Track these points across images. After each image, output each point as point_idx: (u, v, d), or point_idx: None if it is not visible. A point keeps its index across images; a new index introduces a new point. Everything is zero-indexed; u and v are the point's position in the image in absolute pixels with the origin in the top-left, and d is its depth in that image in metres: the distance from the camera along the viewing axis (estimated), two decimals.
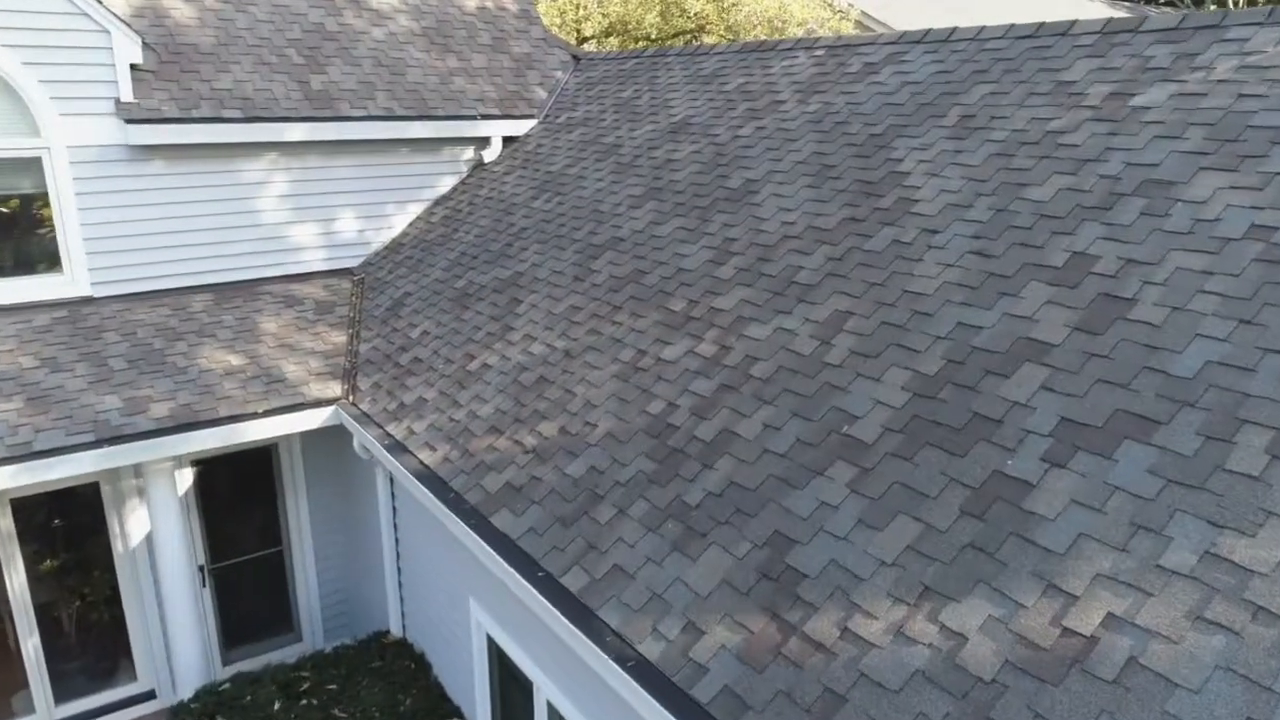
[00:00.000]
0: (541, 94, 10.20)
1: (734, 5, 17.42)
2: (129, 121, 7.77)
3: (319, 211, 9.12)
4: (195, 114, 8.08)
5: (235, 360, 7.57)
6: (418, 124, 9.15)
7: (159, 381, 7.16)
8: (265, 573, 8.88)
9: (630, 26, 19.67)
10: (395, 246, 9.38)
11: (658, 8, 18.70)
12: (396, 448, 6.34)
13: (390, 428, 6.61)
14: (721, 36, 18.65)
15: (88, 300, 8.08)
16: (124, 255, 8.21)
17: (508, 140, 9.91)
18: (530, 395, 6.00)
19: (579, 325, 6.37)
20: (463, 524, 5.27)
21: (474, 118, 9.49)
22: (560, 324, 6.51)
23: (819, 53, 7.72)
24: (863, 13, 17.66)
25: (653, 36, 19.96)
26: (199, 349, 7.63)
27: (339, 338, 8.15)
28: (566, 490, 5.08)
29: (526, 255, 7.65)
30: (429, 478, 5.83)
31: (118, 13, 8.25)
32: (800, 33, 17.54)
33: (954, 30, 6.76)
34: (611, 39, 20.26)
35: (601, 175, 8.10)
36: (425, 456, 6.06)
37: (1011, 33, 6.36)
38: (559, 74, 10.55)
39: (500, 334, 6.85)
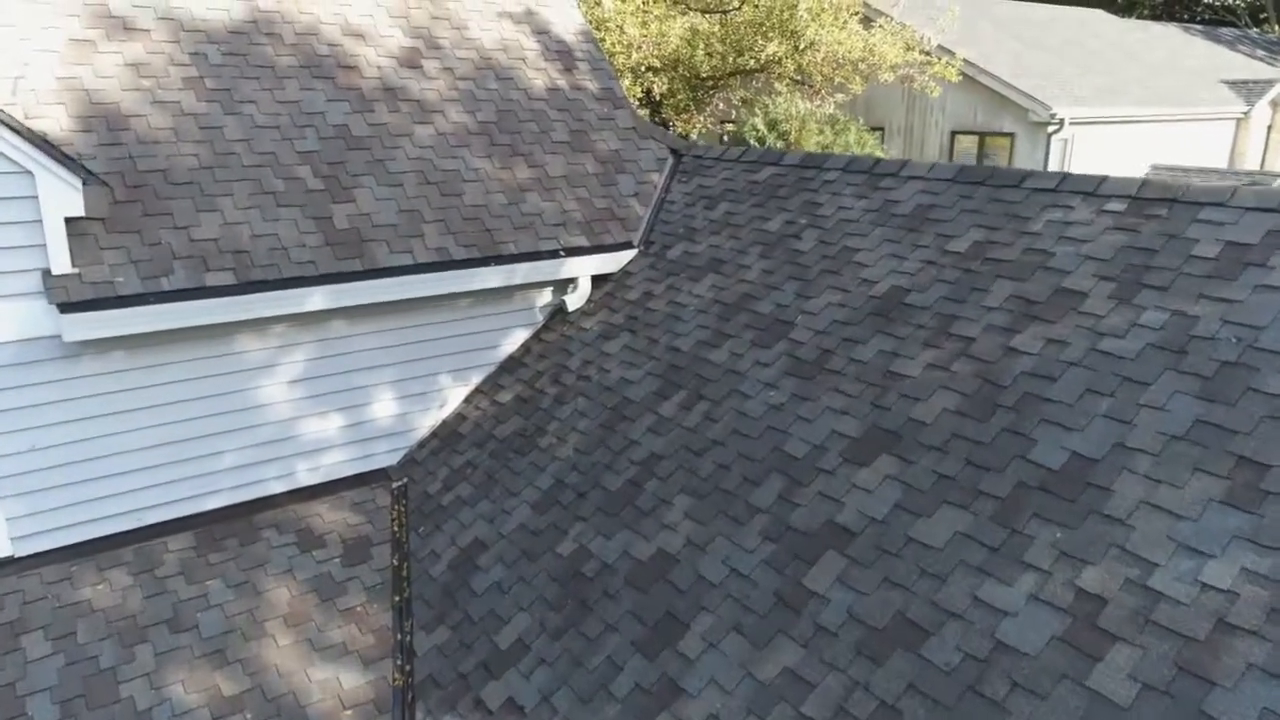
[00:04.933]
0: (639, 210, 7.55)
1: (810, 46, 14.76)
2: (63, 309, 5.10)
3: (343, 396, 6.46)
4: (165, 285, 5.42)
5: (226, 685, 4.91)
6: (483, 271, 6.50)
7: None
8: None
9: (680, 65, 17.02)
10: (448, 437, 6.73)
11: (717, 47, 16.06)
12: None
13: None
14: (791, 79, 16.00)
15: (6, 563, 5.42)
16: (59, 493, 5.55)
17: (597, 278, 7.28)
18: None
19: None
20: None
21: (557, 255, 6.85)
22: (774, 706, 3.88)
23: (1115, 207, 5.08)
24: (965, 60, 15.03)
25: (703, 74, 17.33)
26: (170, 662, 4.97)
27: (381, 617, 5.49)
28: None
29: (673, 518, 5.00)
30: None
31: (50, 133, 5.57)
32: (892, 78, 14.91)
33: None
34: (650, 75, 17.51)
35: (770, 376, 5.46)
36: None
37: None
38: (655, 177, 7.91)
39: (661, 694, 4.21)
